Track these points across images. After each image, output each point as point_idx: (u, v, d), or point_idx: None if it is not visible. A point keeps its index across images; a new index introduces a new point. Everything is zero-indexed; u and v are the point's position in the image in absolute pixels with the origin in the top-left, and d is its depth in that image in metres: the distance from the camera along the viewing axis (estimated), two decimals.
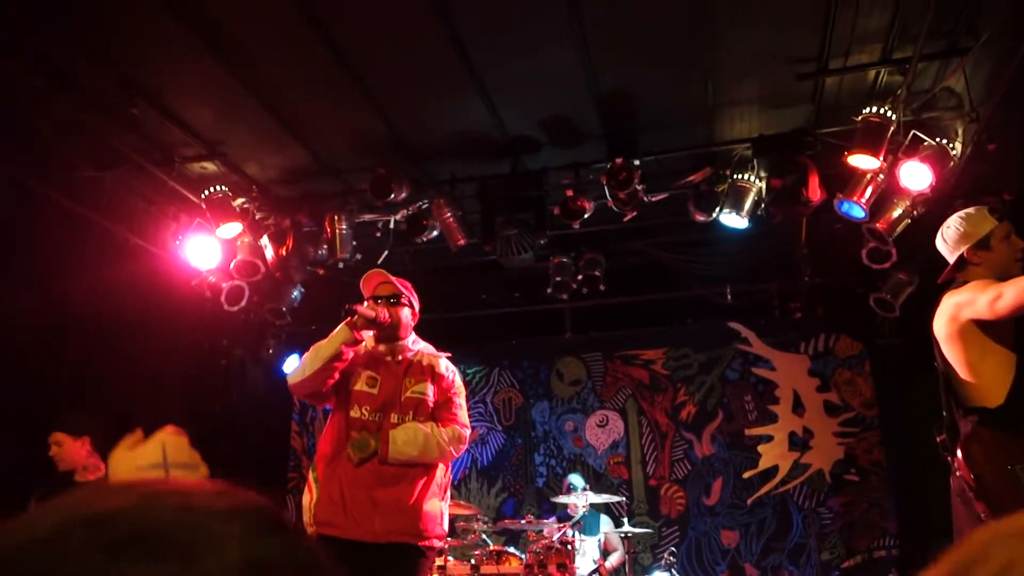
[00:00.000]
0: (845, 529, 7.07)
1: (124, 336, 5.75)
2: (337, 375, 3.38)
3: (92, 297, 5.45)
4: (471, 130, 5.51)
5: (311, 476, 3.42)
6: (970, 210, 3.24)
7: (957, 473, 2.90)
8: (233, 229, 5.70)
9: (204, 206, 5.63)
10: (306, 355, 3.39)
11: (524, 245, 5.67)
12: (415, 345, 3.58)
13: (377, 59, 4.76)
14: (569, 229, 5.71)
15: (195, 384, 6.67)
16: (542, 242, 5.74)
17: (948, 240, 3.24)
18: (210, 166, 5.71)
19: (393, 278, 3.55)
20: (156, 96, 4.93)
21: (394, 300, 3.47)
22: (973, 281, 3.05)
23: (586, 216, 5.57)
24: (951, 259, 3.22)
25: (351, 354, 3.41)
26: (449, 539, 6.01)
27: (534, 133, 5.56)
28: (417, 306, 3.64)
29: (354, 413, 3.36)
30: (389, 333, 3.45)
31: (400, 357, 3.47)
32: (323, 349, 3.35)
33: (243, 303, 6.13)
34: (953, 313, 3.05)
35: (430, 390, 3.45)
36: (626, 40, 4.68)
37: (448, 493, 3.54)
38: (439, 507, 3.42)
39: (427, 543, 3.33)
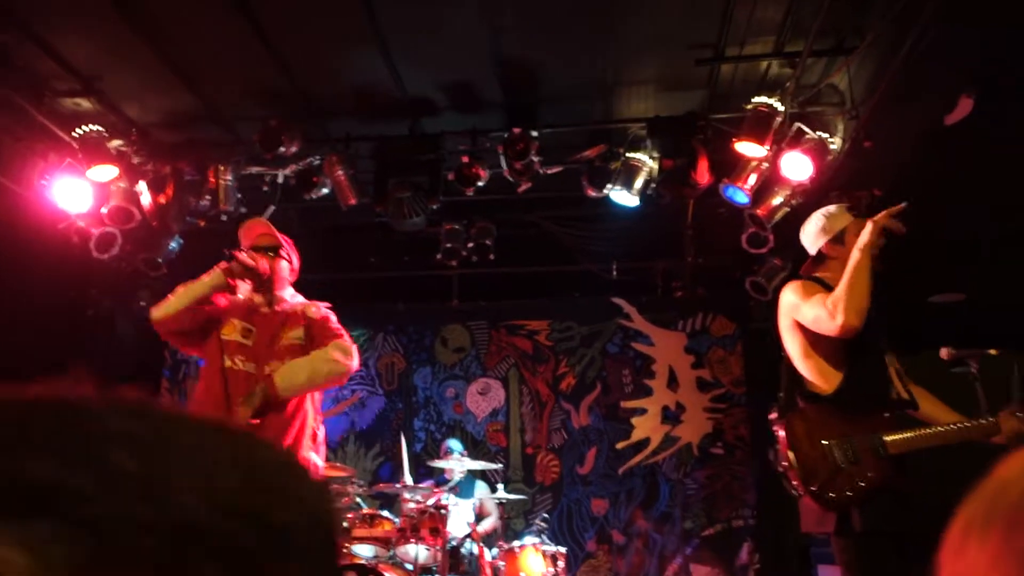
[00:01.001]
0: (708, 499, 7.42)
1: None
2: (203, 317, 3.28)
3: None
4: (371, 88, 5.37)
5: None
6: (831, 207, 3.42)
7: (778, 447, 3.10)
8: (107, 172, 5.37)
9: (76, 145, 5.26)
10: (175, 292, 3.29)
11: (416, 208, 5.61)
12: (293, 299, 3.50)
13: (277, 4, 4.56)
14: (462, 196, 5.68)
15: (58, 334, 6.27)
16: (435, 207, 5.69)
17: (809, 234, 3.41)
18: (85, 103, 5.34)
19: (275, 230, 3.46)
20: (29, 22, 4.54)
21: (274, 252, 3.40)
22: (799, 283, 3.25)
23: (480, 184, 5.55)
24: (811, 252, 3.40)
25: (223, 301, 3.31)
26: None
27: (434, 96, 5.48)
28: (296, 263, 3.55)
29: (227, 363, 3.24)
30: (266, 285, 3.37)
31: (276, 308, 3.38)
32: (192, 289, 3.27)
33: (115, 251, 5.79)
34: (785, 310, 3.25)
35: (305, 337, 3.36)
36: (533, 11, 4.67)
37: (321, 449, 3.47)
38: (312, 460, 3.35)
39: None
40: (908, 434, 3.00)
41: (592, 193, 5.63)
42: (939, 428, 3.03)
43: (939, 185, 5.15)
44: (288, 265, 3.49)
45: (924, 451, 2.98)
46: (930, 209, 5.49)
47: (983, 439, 3.04)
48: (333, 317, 3.49)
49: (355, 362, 3.37)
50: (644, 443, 7.67)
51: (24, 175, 5.45)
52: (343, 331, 3.46)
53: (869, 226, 3.14)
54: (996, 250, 5.95)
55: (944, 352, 3.19)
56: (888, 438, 2.99)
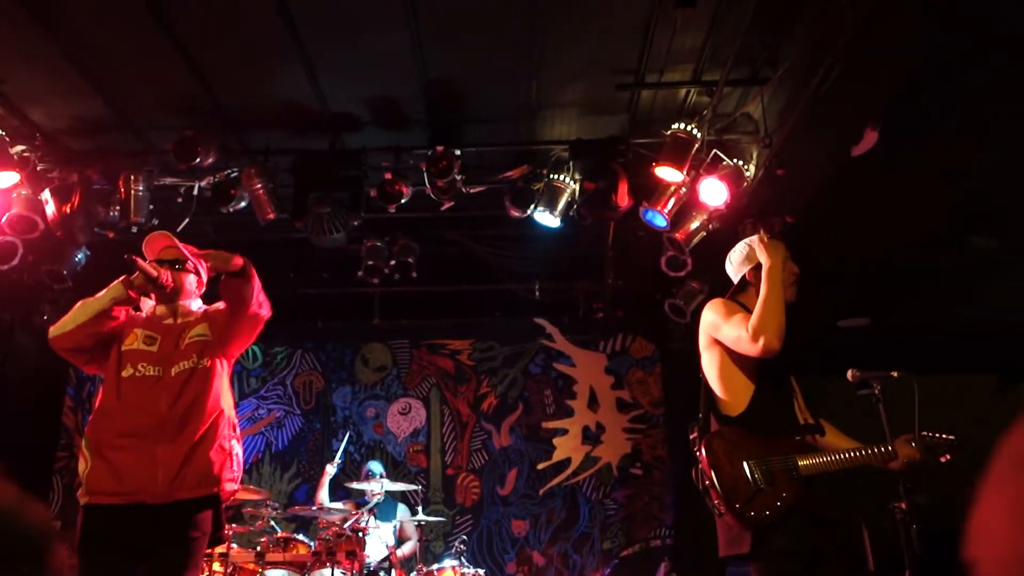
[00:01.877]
0: (627, 520, 7.48)
1: None
2: (103, 334, 3.14)
3: None
4: (291, 101, 5.28)
5: (83, 443, 3.14)
6: (754, 236, 3.49)
7: (700, 466, 3.15)
8: (9, 178, 5.12)
9: None
10: (73, 308, 3.16)
11: (337, 224, 5.51)
12: (200, 310, 3.38)
13: (196, 15, 4.44)
14: (384, 213, 5.61)
15: None
16: (356, 223, 5.61)
17: (733, 262, 3.49)
18: None
19: (180, 244, 3.33)
20: None
21: (179, 265, 3.28)
22: (720, 301, 3.33)
23: (403, 201, 5.49)
24: (735, 279, 3.48)
25: (123, 314, 3.18)
26: (234, 525, 5.75)
27: (357, 111, 5.42)
28: (205, 275, 3.43)
29: (126, 372, 3.10)
30: (170, 296, 3.25)
31: (180, 320, 3.27)
32: (91, 304, 3.13)
33: (15, 262, 5.52)
34: (705, 328, 3.33)
35: (209, 329, 3.26)
36: (458, 31, 4.68)
37: (236, 446, 3.35)
38: (234, 449, 3.24)
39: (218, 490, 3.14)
40: (817, 459, 3.08)
41: (515, 213, 5.64)
42: (844, 454, 3.12)
43: (848, 212, 5.35)
44: (196, 278, 3.37)
45: (829, 474, 3.07)
46: (840, 235, 5.72)
47: (882, 465, 3.14)
48: None
49: (265, 310, 3.43)
50: (565, 463, 7.69)
51: None
52: None
53: (764, 248, 3.30)
54: (900, 275, 6.20)
55: (850, 374, 3.28)
56: (801, 462, 3.06)
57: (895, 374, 3.19)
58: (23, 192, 5.31)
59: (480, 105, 5.41)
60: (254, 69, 5.00)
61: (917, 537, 2.97)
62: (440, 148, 5.28)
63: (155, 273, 3.13)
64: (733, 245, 3.51)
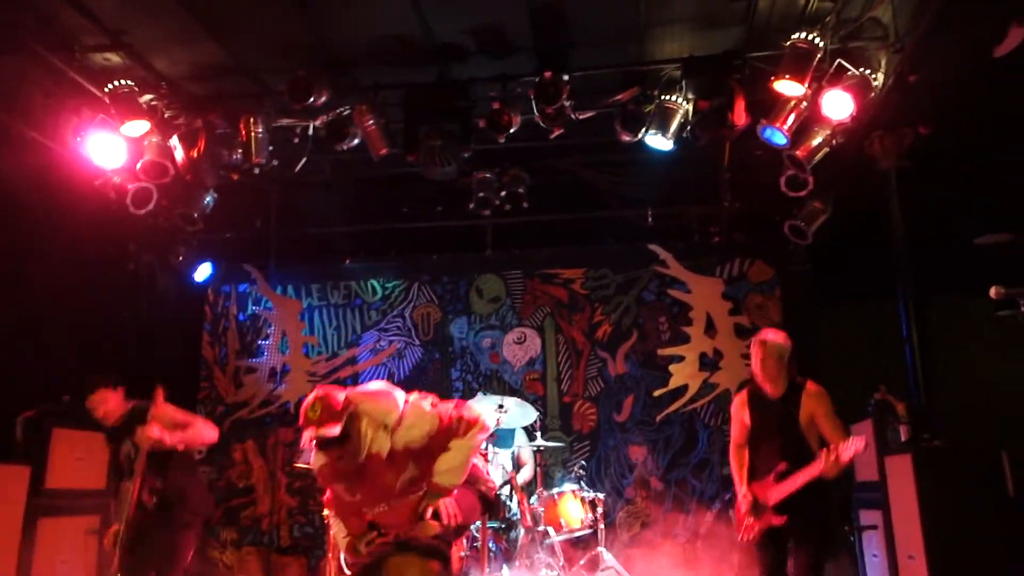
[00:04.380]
0: None
1: (21, 237, 5.42)
2: None
3: None
4: (397, 35, 5.29)
5: None
6: (755, 337, 4.65)
7: None
8: (140, 127, 5.38)
9: (108, 101, 5.27)
10: None
11: (448, 157, 5.55)
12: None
13: None
14: (494, 144, 5.60)
15: (100, 290, 6.39)
16: (466, 155, 5.63)
17: None
18: (114, 57, 5.32)
19: (326, 401, 3.24)
20: None
21: (337, 442, 3.25)
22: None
23: (512, 131, 5.45)
24: None
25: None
26: None
27: (462, 41, 5.38)
28: (374, 409, 3.39)
29: None
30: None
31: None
32: None
33: (151, 206, 5.84)
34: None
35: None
36: None
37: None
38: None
39: None
40: None
41: (626, 138, 5.50)
42: None
43: (988, 120, 4.96)
44: (360, 424, 3.37)
45: None
46: (977, 145, 5.32)
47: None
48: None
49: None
50: (682, 390, 7.64)
51: (58, 132, 5.48)
52: None
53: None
54: None
55: (993, 291, 3.11)
56: None
57: None
58: (153, 139, 5.57)
59: (586, 27, 5.26)
60: (360, 3, 5.02)
61: None
62: (548, 74, 5.18)
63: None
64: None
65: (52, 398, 5.76)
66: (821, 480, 4.18)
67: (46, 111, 5.41)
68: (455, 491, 3.37)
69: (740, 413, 4.74)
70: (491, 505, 3.92)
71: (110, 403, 4.89)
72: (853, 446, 4.08)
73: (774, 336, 4.61)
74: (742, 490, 4.58)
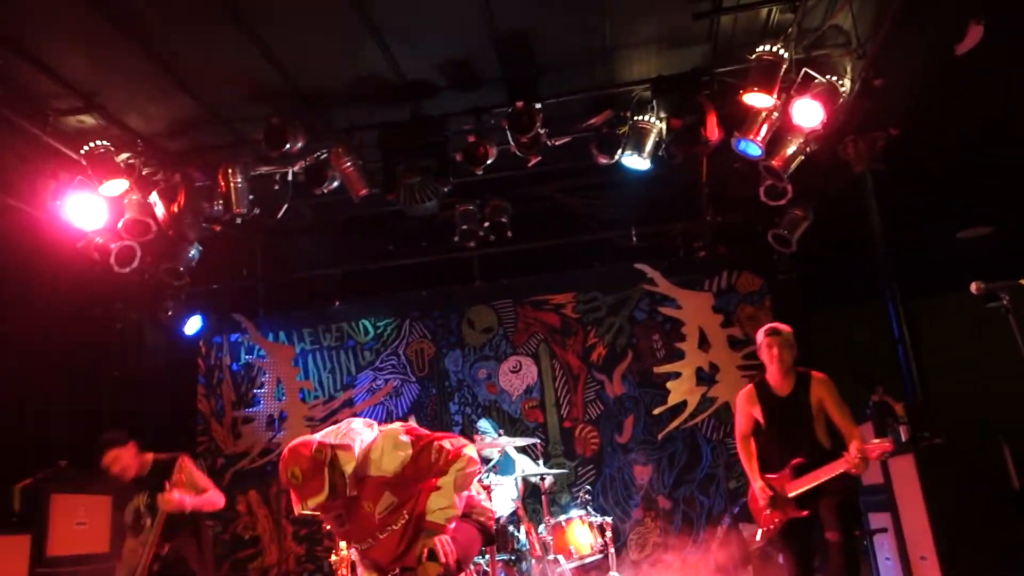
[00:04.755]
0: None
1: (4, 302, 5.41)
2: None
3: None
4: (367, 75, 5.33)
5: None
6: (761, 328, 4.72)
7: None
8: (119, 186, 5.39)
9: (85, 162, 5.29)
10: None
11: (428, 193, 5.57)
12: None
13: (261, 4, 4.52)
14: (473, 176, 5.63)
15: (89, 351, 6.37)
16: (446, 189, 5.65)
17: None
18: (88, 119, 5.36)
19: (299, 460, 3.17)
20: (19, 42, 4.55)
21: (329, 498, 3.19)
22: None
23: (489, 162, 5.48)
24: None
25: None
26: None
27: (432, 77, 5.43)
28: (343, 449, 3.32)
29: None
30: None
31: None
32: None
33: (135, 264, 5.84)
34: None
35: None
36: None
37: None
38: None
39: None
40: None
41: (603, 160, 5.54)
42: None
43: (957, 116, 5.00)
44: (337, 478, 3.28)
45: None
46: (949, 142, 5.37)
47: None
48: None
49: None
50: (681, 406, 7.62)
51: (36, 196, 5.49)
52: None
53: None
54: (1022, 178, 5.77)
55: (974, 287, 3.14)
56: None
57: None
58: (133, 197, 5.59)
59: (553, 54, 5.31)
60: (328, 49, 5.07)
61: None
62: (519, 104, 5.22)
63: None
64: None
65: (48, 464, 5.72)
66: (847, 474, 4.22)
67: (22, 177, 5.42)
68: (451, 526, 3.33)
69: (747, 407, 4.73)
70: (491, 536, 3.86)
71: (124, 459, 4.91)
72: (881, 447, 4.12)
73: (782, 326, 4.65)
74: (757, 483, 4.54)
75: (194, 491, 4.83)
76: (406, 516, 3.33)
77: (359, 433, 3.34)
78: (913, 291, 5.58)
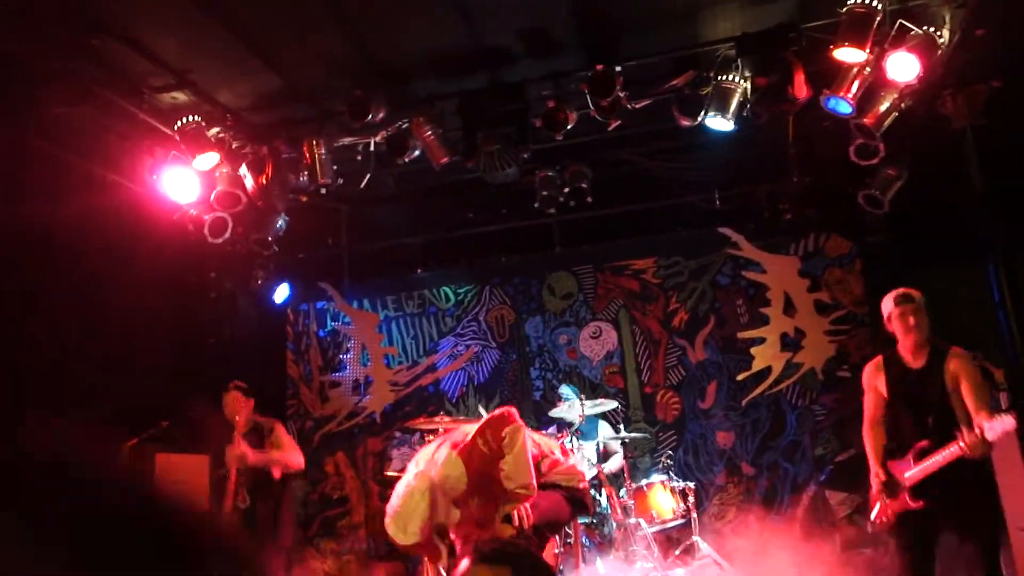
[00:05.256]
0: (839, 424, 7.20)
1: (109, 273, 5.69)
2: None
3: (73, 237, 5.35)
4: (446, 45, 5.35)
5: None
6: (888, 295, 4.26)
7: None
8: (210, 160, 5.59)
9: (178, 137, 5.49)
10: None
11: (508, 160, 5.58)
12: None
13: None
14: (552, 141, 5.61)
15: (186, 319, 6.66)
16: (525, 156, 5.65)
17: None
18: (181, 96, 5.55)
19: None
20: (115, 26, 4.75)
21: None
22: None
23: (569, 127, 5.45)
24: None
25: None
26: None
27: (511, 44, 5.40)
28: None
29: None
30: None
31: None
32: None
33: (227, 235, 6.05)
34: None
35: None
36: None
37: None
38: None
39: None
40: None
41: (685, 122, 5.44)
42: None
43: None
44: None
45: None
46: None
47: None
48: None
49: None
50: (765, 372, 7.49)
51: (136, 172, 5.74)
52: None
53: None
54: None
55: None
56: None
57: None
58: (224, 170, 5.77)
59: (633, 15, 5.21)
60: (408, 19, 5.10)
61: None
62: (599, 67, 5.16)
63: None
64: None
65: (150, 424, 6.03)
66: (973, 461, 3.76)
67: (122, 153, 5.67)
68: (533, 495, 3.42)
69: (874, 382, 4.34)
70: (580, 503, 3.92)
71: (240, 406, 5.26)
72: (1001, 423, 3.62)
73: (912, 291, 4.21)
74: (876, 469, 4.22)
75: (274, 447, 5.05)
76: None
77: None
78: (1015, 252, 5.32)
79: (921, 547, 4.01)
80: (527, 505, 3.37)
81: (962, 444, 3.71)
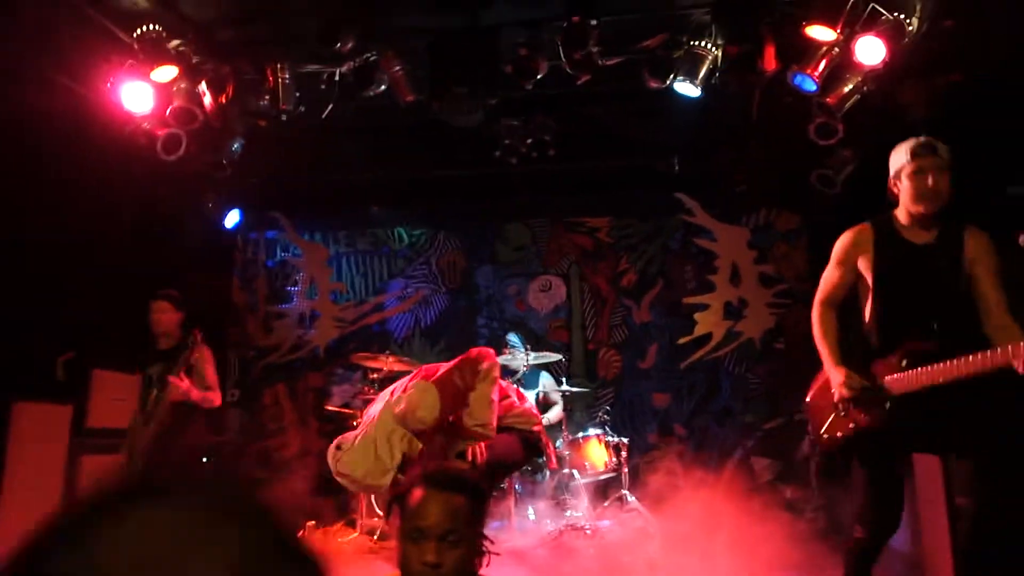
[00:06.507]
0: (770, 394, 7.44)
1: (53, 179, 5.51)
2: None
3: (11, 136, 5.13)
4: None
5: None
6: (904, 143, 3.23)
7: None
8: (168, 73, 5.40)
9: (136, 46, 5.30)
10: None
11: (474, 104, 5.53)
12: None
13: None
14: (521, 90, 5.57)
15: (131, 233, 6.49)
16: (493, 102, 5.60)
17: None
18: (142, 1, 5.33)
19: None
20: None
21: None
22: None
23: (539, 77, 5.42)
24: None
25: None
26: None
27: None
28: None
29: None
30: None
31: None
32: None
33: (180, 152, 5.89)
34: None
35: None
36: None
37: None
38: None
39: None
40: None
41: (654, 85, 5.45)
42: None
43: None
44: None
45: None
46: (1016, 93, 5.20)
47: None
48: None
49: None
50: (706, 338, 7.68)
51: (88, 77, 5.52)
52: None
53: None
54: None
55: (1022, 239, 3.09)
56: None
57: None
58: (182, 85, 5.60)
59: None
60: None
61: None
62: (575, 19, 5.12)
63: None
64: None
65: (88, 339, 5.93)
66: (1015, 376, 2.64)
67: (73, 55, 5.43)
68: (491, 437, 3.48)
69: (852, 254, 3.37)
70: (534, 447, 3.99)
71: (169, 318, 5.16)
72: None
73: (939, 142, 3.15)
74: (836, 370, 3.22)
75: (200, 383, 5.01)
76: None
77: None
78: None
79: (893, 487, 3.13)
80: (483, 444, 3.42)
81: (1010, 353, 2.62)
